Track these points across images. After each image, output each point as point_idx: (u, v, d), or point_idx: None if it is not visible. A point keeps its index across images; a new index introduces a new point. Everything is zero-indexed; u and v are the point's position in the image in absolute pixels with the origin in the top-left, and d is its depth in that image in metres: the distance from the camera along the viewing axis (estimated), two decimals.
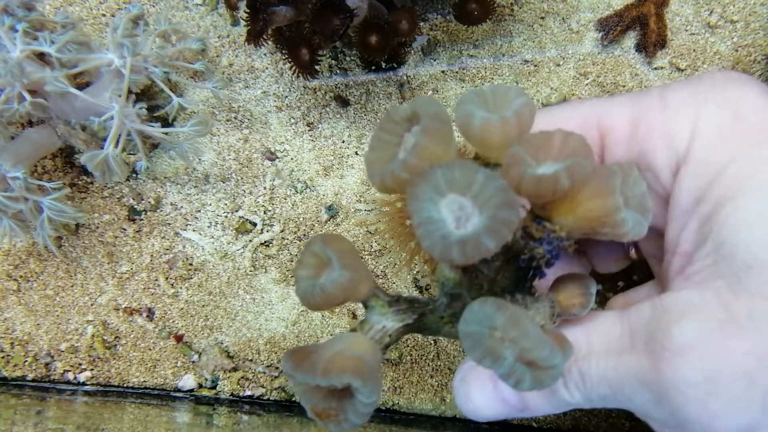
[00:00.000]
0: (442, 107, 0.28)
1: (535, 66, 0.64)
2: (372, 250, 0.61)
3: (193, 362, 0.61)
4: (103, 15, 0.67)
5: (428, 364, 0.60)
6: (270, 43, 0.57)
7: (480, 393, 0.33)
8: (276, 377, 0.61)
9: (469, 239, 0.23)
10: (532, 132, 0.28)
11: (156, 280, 0.62)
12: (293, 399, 0.60)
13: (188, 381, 0.61)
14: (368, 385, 0.26)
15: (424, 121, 0.27)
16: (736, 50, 0.62)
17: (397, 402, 0.60)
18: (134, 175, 0.64)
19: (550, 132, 0.26)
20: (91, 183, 0.64)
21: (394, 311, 0.30)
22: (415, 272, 0.61)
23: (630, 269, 0.43)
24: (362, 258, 0.61)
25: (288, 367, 0.27)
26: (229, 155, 0.64)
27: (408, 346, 0.60)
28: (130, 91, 0.55)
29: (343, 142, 0.63)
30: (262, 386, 0.61)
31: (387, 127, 0.29)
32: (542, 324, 0.30)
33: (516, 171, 0.26)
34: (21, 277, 0.63)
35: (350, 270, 0.27)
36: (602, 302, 0.46)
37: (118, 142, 0.55)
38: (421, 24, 0.65)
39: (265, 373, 0.61)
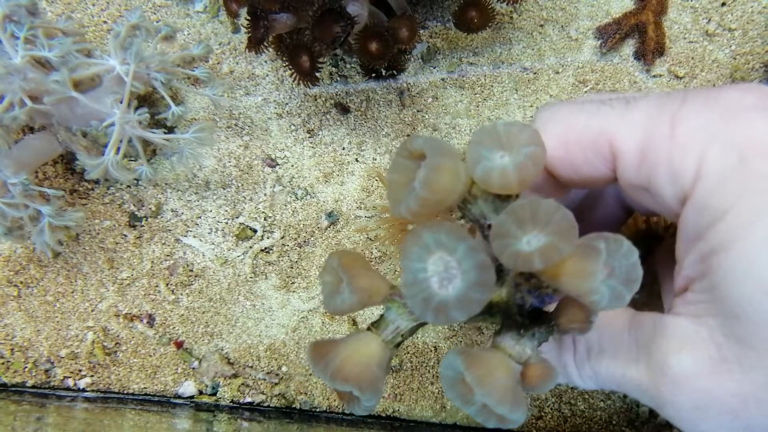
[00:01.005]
0: (449, 152, 0.29)
1: (535, 73, 0.64)
2: (372, 256, 0.61)
3: (194, 369, 0.61)
4: (105, 22, 0.67)
5: (429, 371, 0.60)
6: (271, 50, 0.57)
7: None
8: (276, 384, 0.60)
9: (442, 309, 0.26)
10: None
11: (156, 286, 0.62)
12: (293, 406, 0.60)
13: (188, 387, 0.61)
14: (366, 394, 0.30)
15: (426, 173, 0.28)
16: (735, 58, 0.62)
17: (397, 409, 0.60)
18: (135, 181, 0.64)
19: (539, 202, 0.27)
20: (92, 189, 0.64)
21: (410, 311, 0.32)
22: None
23: None
24: None
25: (309, 360, 0.32)
26: (229, 162, 0.64)
27: (408, 353, 0.60)
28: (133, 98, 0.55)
29: (344, 149, 0.64)
30: (263, 393, 0.61)
31: (403, 154, 0.31)
32: (527, 357, 0.31)
33: (498, 244, 0.27)
34: (21, 283, 0.63)
35: (359, 293, 0.30)
36: None
37: (119, 148, 0.55)
38: (421, 31, 0.65)
39: (265, 379, 0.60)
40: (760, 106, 0.28)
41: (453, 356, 0.29)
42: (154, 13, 0.67)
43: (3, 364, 0.62)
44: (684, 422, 0.30)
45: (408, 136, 0.28)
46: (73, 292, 0.63)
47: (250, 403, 0.61)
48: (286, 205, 0.63)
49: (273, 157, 0.64)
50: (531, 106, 0.63)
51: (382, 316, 0.33)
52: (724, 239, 0.27)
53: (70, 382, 0.62)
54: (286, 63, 0.55)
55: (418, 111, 0.64)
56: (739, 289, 0.27)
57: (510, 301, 0.32)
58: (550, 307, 0.33)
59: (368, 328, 0.33)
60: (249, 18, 0.54)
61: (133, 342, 0.62)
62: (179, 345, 0.61)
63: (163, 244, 0.63)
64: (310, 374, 0.60)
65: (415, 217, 0.29)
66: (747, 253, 0.26)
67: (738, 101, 0.28)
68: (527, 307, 0.32)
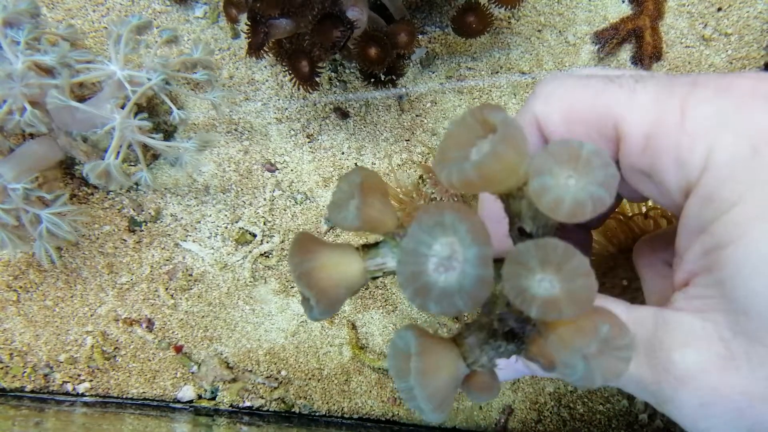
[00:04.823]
0: (518, 146, 0.27)
1: (533, 78, 0.64)
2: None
3: (193, 373, 0.61)
4: (105, 28, 0.68)
5: None
6: (270, 55, 0.58)
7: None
8: (275, 388, 0.60)
9: (423, 292, 0.25)
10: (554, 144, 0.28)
11: (156, 290, 0.62)
12: (293, 410, 0.60)
13: (188, 392, 0.61)
14: (321, 307, 0.30)
15: (486, 157, 0.26)
16: (731, 63, 0.63)
17: (396, 413, 0.60)
18: (135, 186, 0.64)
19: (573, 252, 0.25)
20: (92, 194, 0.64)
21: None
22: None
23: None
24: None
25: (290, 246, 0.31)
26: (229, 166, 0.64)
27: None
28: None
29: (343, 153, 0.64)
30: (262, 397, 0.61)
31: (477, 115, 0.29)
32: (480, 364, 0.30)
33: (511, 270, 0.26)
34: (20, 287, 0.63)
35: (362, 221, 0.29)
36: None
37: (119, 153, 0.55)
38: (420, 37, 0.65)
39: (264, 383, 0.60)
40: None
41: (410, 335, 0.28)
42: (155, 19, 0.68)
43: (2, 368, 0.62)
44: (686, 419, 0.29)
45: (484, 106, 0.27)
46: (72, 297, 0.63)
47: (250, 408, 0.61)
48: (285, 210, 0.63)
49: (272, 161, 0.64)
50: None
51: (377, 244, 0.32)
52: (732, 232, 0.26)
53: (69, 387, 0.62)
54: (286, 68, 0.56)
55: (416, 116, 0.64)
56: (749, 284, 0.26)
57: (496, 306, 0.31)
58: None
59: (357, 248, 0.32)
60: (249, 23, 0.54)
61: (132, 346, 0.62)
62: (178, 349, 0.61)
63: (162, 248, 0.63)
64: (310, 378, 0.60)
65: (455, 188, 0.28)
66: (757, 247, 0.25)
67: (751, 89, 0.27)
68: (504, 327, 0.30)
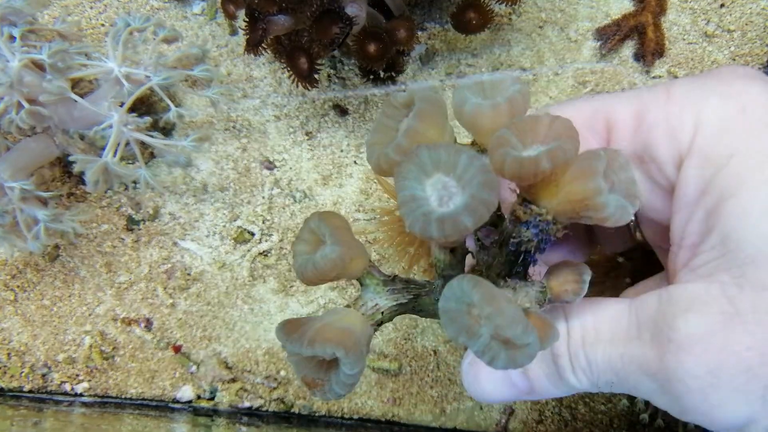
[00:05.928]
0: (438, 93, 0.29)
1: (534, 75, 0.64)
2: (371, 259, 0.61)
3: (192, 373, 0.61)
4: (103, 25, 0.67)
5: (428, 375, 0.59)
6: (268, 52, 0.57)
7: (488, 376, 0.33)
8: (275, 388, 0.60)
9: (447, 217, 0.24)
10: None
11: (154, 290, 0.62)
12: (292, 410, 0.60)
13: (186, 392, 0.60)
14: (351, 357, 0.27)
15: (418, 105, 0.28)
16: (734, 59, 0.62)
17: (396, 413, 0.59)
18: (133, 184, 0.64)
19: (537, 116, 0.27)
20: (89, 192, 0.64)
21: (388, 290, 0.31)
22: None
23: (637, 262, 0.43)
24: None
25: (280, 336, 0.28)
26: (227, 164, 0.64)
27: (408, 357, 0.60)
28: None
29: (342, 151, 0.63)
30: (261, 397, 0.60)
31: (388, 112, 0.30)
32: (527, 306, 0.30)
33: (500, 152, 0.26)
34: (18, 287, 0.63)
35: (342, 246, 0.28)
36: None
37: (116, 151, 0.55)
38: (420, 33, 0.65)
39: (263, 384, 0.60)
40: (752, 75, 0.28)
41: (456, 283, 0.26)
42: (153, 15, 0.67)
43: (0, 368, 0.62)
44: (693, 396, 0.27)
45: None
46: (70, 296, 0.62)
47: (249, 408, 0.60)
48: (284, 208, 0.63)
49: (271, 159, 0.64)
50: (530, 108, 0.63)
51: (359, 295, 0.32)
52: (732, 183, 0.26)
53: (68, 387, 0.61)
54: (285, 65, 0.55)
55: None
56: (755, 231, 0.26)
57: (492, 271, 0.31)
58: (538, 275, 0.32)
59: (347, 306, 0.32)
60: (247, 20, 0.54)
61: (130, 346, 0.62)
62: (177, 349, 0.61)
63: (160, 247, 0.63)
64: None
65: (402, 153, 0.28)
66: (759, 194, 0.26)
67: (731, 71, 0.29)
68: (523, 255, 0.30)
